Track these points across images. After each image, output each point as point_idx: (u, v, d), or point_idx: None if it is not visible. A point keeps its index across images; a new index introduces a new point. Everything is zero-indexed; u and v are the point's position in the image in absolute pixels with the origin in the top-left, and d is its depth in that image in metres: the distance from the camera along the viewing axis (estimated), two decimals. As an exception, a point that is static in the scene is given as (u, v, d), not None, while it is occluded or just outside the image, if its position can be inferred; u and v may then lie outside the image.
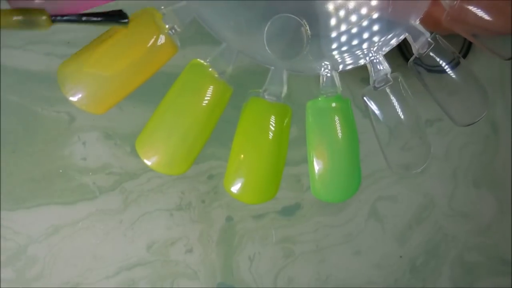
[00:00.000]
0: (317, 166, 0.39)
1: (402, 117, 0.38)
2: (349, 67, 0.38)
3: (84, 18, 0.31)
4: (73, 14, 0.31)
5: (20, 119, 0.55)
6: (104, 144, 0.56)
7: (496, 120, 0.61)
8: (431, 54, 0.37)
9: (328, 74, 0.38)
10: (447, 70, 0.37)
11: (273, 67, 0.37)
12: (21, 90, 0.55)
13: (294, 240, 0.60)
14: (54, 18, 0.30)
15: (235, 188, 0.38)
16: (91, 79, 0.35)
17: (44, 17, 0.29)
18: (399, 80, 0.38)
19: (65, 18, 0.31)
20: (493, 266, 0.64)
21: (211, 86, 0.36)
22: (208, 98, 0.36)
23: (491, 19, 0.33)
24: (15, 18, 0.28)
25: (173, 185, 0.58)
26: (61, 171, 0.56)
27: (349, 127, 0.39)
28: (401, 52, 0.58)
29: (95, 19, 0.32)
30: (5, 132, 0.55)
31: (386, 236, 0.62)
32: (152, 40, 0.35)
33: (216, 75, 0.36)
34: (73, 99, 0.34)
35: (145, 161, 0.37)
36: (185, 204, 0.58)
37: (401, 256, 0.62)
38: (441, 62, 0.37)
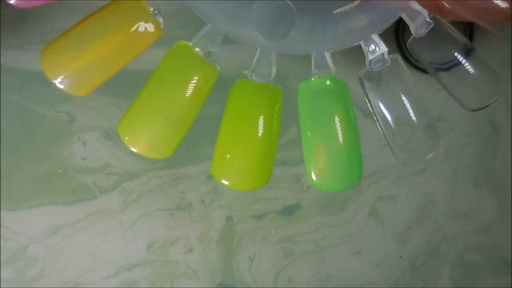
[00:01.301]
0: (312, 152, 0.37)
1: (405, 100, 0.36)
2: (342, 47, 0.36)
3: None
4: None
5: (20, 119, 0.55)
6: (104, 144, 0.56)
7: (496, 120, 0.61)
8: (430, 37, 0.34)
9: (320, 55, 0.36)
10: (451, 54, 0.34)
11: (260, 48, 0.36)
12: (21, 90, 0.55)
13: (294, 240, 0.60)
14: None
15: (223, 175, 0.36)
16: (73, 61, 0.34)
17: None
18: (399, 61, 0.36)
19: None
20: (493, 266, 0.64)
21: (196, 66, 0.35)
22: (193, 78, 0.35)
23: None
24: None
25: (173, 185, 0.58)
26: (61, 171, 0.56)
27: (346, 110, 0.36)
28: (401, 52, 0.58)
29: None
30: (5, 132, 0.55)
31: (386, 236, 0.62)
32: (137, 21, 0.34)
33: (202, 56, 0.35)
34: (57, 82, 0.34)
35: (128, 145, 0.35)
36: (185, 204, 0.58)
37: (401, 256, 0.62)
38: (442, 46, 0.35)
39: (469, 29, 0.57)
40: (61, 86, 0.34)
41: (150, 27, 0.34)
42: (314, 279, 0.61)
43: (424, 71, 0.58)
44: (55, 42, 0.34)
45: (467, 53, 0.35)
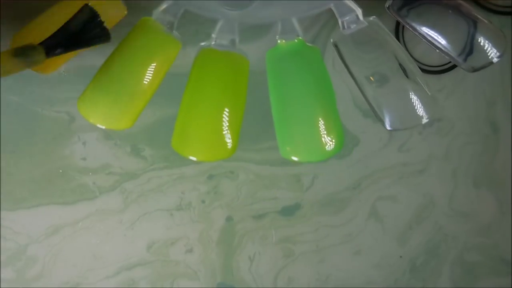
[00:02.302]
0: (283, 119, 0.34)
1: (387, 64, 0.33)
2: (310, 12, 0.34)
3: (73, 47, 0.32)
4: (62, 45, 0.32)
5: (20, 119, 0.55)
6: (104, 144, 0.56)
7: (496, 120, 0.61)
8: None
9: (286, 22, 0.34)
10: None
11: (222, 20, 0.35)
12: (21, 90, 0.55)
13: (294, 240, 0.60)
14: (48, 53, 0.31)
15: (184, 144, 0.35)
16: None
17: (41, 55, 0.30)
18: (377, 22, 0.33)
19: (57, 51, 0.32)
20: (493, 266, 0.64)
21: (156, 38, 0.35)
22: (152, 50, 0.35)
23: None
24: (15, 62, 0.29)
25: (173, 185, 0.58)
26: (61, 171, 0.56)
27: (319, 74, 0.34)
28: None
29: (84, 44, 0.33)
30: (5, 132, 0.55)
31: (386, 236, 0.62)
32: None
33: (163, 28, 0.35)
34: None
35: (85, 117, 0.35)
36: (185, 204, 0.58)
37: (401, 256, 0.62)
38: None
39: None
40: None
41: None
42: (314, 279, 0.61)
43: (425, 71, 0.58)
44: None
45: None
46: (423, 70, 0.58)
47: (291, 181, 0.59)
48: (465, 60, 0.33)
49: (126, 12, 0.35)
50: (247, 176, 0.58)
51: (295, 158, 0.35)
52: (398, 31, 0.57)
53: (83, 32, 0.32)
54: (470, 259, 0.63)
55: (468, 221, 0.63)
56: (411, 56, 0.58)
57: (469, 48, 0.33)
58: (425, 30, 0.34)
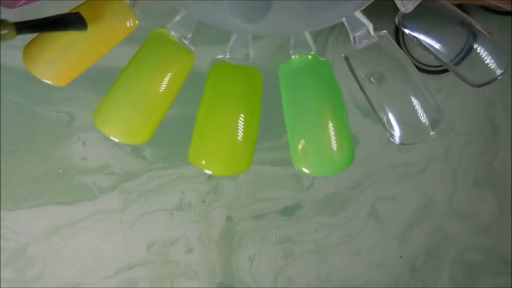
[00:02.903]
0: (297, 135, 0.35)
1: (397, 78, 0.33)
2: (322, 26, 0.34)
3: (47, 28, 0.32)
4: (36, 25, 0.31)
5: (20, 119, 0.55)
6: (104, 144, 0.56)
7: (496, 120, 0.61)
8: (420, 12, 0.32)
9: (299, 35, 0.34)
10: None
11: (236, 33, 0.35)
12: (21, 90, 0.55)
13: (294, 240, 0.60)
14: (19, 30, 0.30)
15: (201, 158, 0.35)
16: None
17: (7, 30, 0.30)
18: (388, 37, 0.34)
19: (29, 30, 0.31)
20: (493, 266, 0.64)
21: (170, 51, 0.35)
22: (167, 62, 0.34)
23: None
24: None
25: (173, 185, 0.58)
26: (61, 171, 0.56)
27: (331, 89, 0.35)
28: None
29: (57, 28, 0.32)
30: (5, 132, 0.55)
31: (386, 236, 0.62)
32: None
33: (177, 41, 0.35)
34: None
35: (102, 131, 0.35)
36: (185, 204, 0.58)
37: (401, 256, 0.62)
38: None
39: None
40: (40, 77, 0.35)
41: (127, 20, 0.34)
42: (314, 279, 0.61)
43: (425, 71, 0.58)
44: (35, 38, 0.35)
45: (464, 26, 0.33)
46: (423, 70, 0.58)
47: (291, 181, 0.59)
48: (470, 76, 0.34)
49: (138, 23, 0.35)
50: (247, 176, 0.58)
51: (307, 171, 0.36)
52: (398, 33, 0.57)
53: (60, 17, 0.32)
54: (470, 259, 0.63)
55: (468, 221, 0.63)
56: (411, 56, 0.58)
57: (472, 62, 0.33)
58: (425, 39, 0.34)
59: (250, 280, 0.60)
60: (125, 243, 0.58)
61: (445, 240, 0.63)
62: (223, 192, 0.58)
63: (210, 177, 0.58)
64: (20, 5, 0.35)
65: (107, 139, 0.57)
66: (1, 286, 0.57)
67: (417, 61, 0.57)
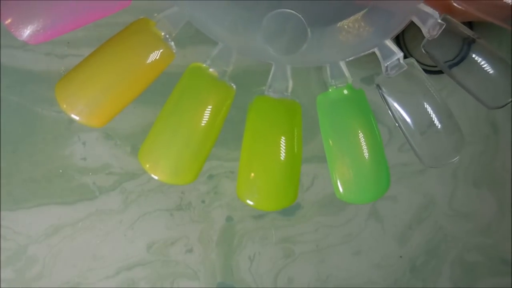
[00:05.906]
0: (337, 164, 0.36)
1: (425, 104, 0.35)
2: (356, 55, 0.36)
3: None
4: None
5: (20, 119, 0.55)
6: (104, 144, 0.56)
7: (496, 120, 0.61)
8: (443, 37, 0.34)
9: (335, 65, 0.35)
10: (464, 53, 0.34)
11: (275, 63, 0.36)
12: (21, 90, 0.55)
13: (294, 240, 0.60)
14: None
15: (251, 196, 0.36)
16: (90, 93, 0.34)
17: None
18: (415, 64, 0.35)
19: None
20: (493, 266, 0.64)
21: (212, 88, 0.35)
22: (210, 100, 0.35)
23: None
24: None
25: (173, 185, 0.58)
26: (61, 171, 0.56)
27: (367, 118, 0.36)
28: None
29: None
30: (5, 132, 0.55)
31: (386, 236, 0.62)
32: (149, 48, 0.34)
33: (217, 76, 0.35)
34: (74, 115, 0.34)
35: (150, 172, 0.35)
36: (185, 204, 0.58)
37: (401, 256, 0.62)
38: (456, 44, 0.34)
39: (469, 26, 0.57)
40: (77, 118, 0.34)
41: (162, 53, 0.34)
42: (314, 279, 0.61)
43: (425, 71, 0.58)
44: (68, 75, 0.34)
45: (476, 48, 0.34)
46: (424, 70, 0.58)
47: (291, 181, 0.59)
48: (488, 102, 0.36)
49: (174, 57, 0.35)
50: (247, 176, 0.58)
51: (350, 201, 0.37)
52: (398, 34, 0.57)
53: None
54: (470, 259, 0.63)
55: (468, 221, 0.63)
56: (411, 56, 0.58)
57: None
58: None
59: (250, 280, 0.60)
60: (125, 243, 0.58)
61: (445, 240, 0.63)
62: (223, 192, 0.58)
63: (210, 177, 0.58)
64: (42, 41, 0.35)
65: (107, 139, 0.57)
66: (1, 286, 0.57)
67: (417, 61, 0.57)
